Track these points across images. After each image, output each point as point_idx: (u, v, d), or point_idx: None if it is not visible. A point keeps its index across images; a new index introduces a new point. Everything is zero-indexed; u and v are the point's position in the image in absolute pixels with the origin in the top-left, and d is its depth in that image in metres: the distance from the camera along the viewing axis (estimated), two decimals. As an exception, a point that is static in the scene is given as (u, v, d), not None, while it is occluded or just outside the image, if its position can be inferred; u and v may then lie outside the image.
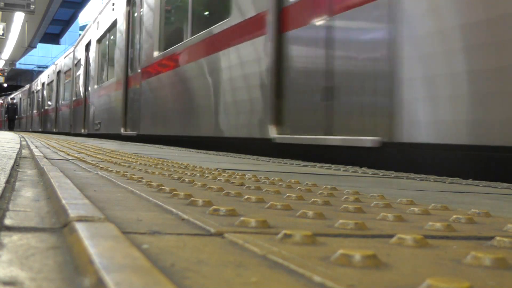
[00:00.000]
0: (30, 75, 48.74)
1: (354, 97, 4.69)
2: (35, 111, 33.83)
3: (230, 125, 7.05)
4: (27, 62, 47.33)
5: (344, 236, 0.98)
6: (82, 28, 46.56)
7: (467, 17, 3.60)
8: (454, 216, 1.30)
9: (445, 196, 2.20)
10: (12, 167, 2.27)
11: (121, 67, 12.95)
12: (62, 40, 49.81)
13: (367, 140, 4.40)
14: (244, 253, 0.79)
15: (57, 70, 25.92)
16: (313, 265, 0.71)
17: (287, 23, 5.80)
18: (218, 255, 0.77)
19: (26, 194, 1.46)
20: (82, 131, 18.03)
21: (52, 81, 27.34)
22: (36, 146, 4.95)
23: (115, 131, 13.19)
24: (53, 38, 48.20)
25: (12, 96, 43.93)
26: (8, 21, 21.72)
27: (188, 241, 0.87)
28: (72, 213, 1.01)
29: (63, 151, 4.15)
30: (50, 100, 27.86)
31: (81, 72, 19.32)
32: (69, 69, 22.39)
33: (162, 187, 1.63)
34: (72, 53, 21.93)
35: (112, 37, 15.06)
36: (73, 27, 48.35)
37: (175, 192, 1.49)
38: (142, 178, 1.99)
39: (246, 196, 1.49)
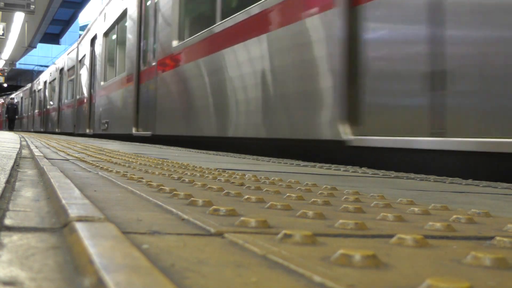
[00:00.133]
0: (30, 75, 48.74)
1: (484, 84, 3.36)
2: (36, 111, 33.26)
3: (283, 124, 5.68)
4: (27, 62, 47.33)
5: (344, 236, 0.98)
6: (82, 28, 46.56)
7: None
8: (454, 216, 1.30)
9: (445, 196, 2.20)
10: (12, 167, 2.27)
11: (132, 61, 11.70)
12: (62, 40, 49.82)
13: None
14: (244, 253, 0.79)
15: (60, 67, 25.02)
16: (313, 265, 0.71)
17: None
18: (218, 255, 0.77)
19: (26, 194, 1.46)
20: (87, 131, 16.99)
21: (54, 79, 26.56)
22: (36, 146, 4.95)
23: (125, 131, 12.03)
24: (53, 38, 48.22)
25: (12, 96, 43.90)
26: (8, 21, 21.71)
27: (188, 241, 0.87)
28: (72, 213, 1.01)
29: (63, 151, 4.15)
30: (52, 99, 27.20)
31: (86, 68, 18.22)
32: (73, 66, 21.38)
33: (162, 187, 1.63)
34: (76, 49, 20.92)
35: (121, 29, 13.78)
36: (73, 27, 48.36)
37: (175, 192, 1.49)
38: (142, 178, 1.99)
39: (246, 196, 1.49)
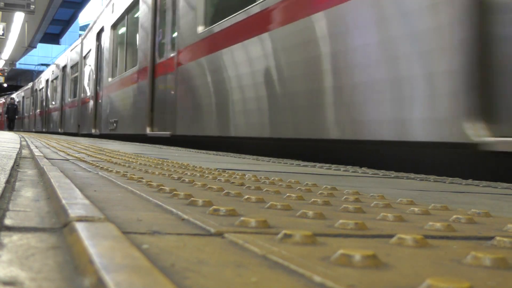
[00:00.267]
0: (30, 75, 48.75)
1: None
2: (38, 110, 32.45)
3: (374, 120, 4.24)
4: (27, 62, 47.36)
5: (344, 236, 0.98)
6: (82, 28, 46.59)
7: None
8: (454, 216, 1.30)
9: (445, 196, 2.20)
10: (12, 167, 2.27)
11: (145, 53, 10.58)
12: (62, 40, 49.83)
13: None
14: (244, 253, 0.79)
15: (62, 64, 23.82)
16: (313, 265, 0.71)
17: None
18: (218, 255, 0.77)
19: (26, 194, 1.46)
20: (93, 131, 15.88)
21: (56, 77, 25.49)
22: (36, 146, 4.95)
23: (137, 131, 10.89)
24: (53, 38, 48.22)
25: (13, 95, 43.79)
26: (8, 21, 21.71)
27: (188, 241, 0.87)
28: (72, 213, 1.01)
29: (63, 151, 4.15)
30: (54, 97, 26.16)
31: (91, 64, 17.09)
32: (76, 63, 20.28)
33: (162, 187, 1.63)
34: (80, 44, 19.70)
35: (132, 19, 12.68)
36: (73, 27, 48.36)
37: (175, 192, 1.49)
38: (142, 178, 1.99)
39: (246, 196, 1.49)
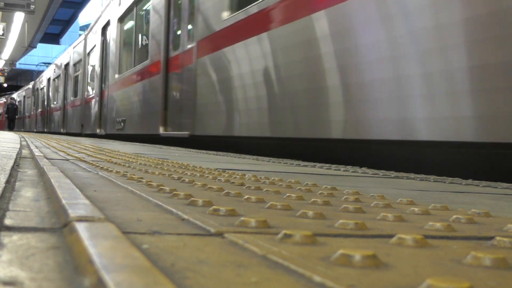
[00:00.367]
0: (30, 75, 48.75)
1: None
2: (39, 110, 31.78)
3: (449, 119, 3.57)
4: (27, 62, 47.36)
5: (344, 236, 0.98)
6: (82, 28, 46.58)
7: None
8: (454, 216, 1.30)
9: (445, 196, 2.20)
10: (12, 167, 2.27)
11: (158, 46, 9.73)
12: (62, 40, 49.83)
13: None
14: (244, 253, 0.79)
15: (65, 62, 22.89)
16: (313, 265, 0.71)
17: None
18: (218, 255, 0.77)
19: (26, 194, 1.46)
20: (98, 131, 15.02)
21: (58, 76, 24.44)
22: (36, 146, 4.95)
23: (148, 131, 10.10)
24: (53, 38, 48.21)
25: (14, 95, 43.71)
26: (8, 21, 21.71)
27: (188, 241, 0.87)
28: (72, 213, 1.01)
29: (63, 151, 4.15)
30: (56, 96, 25.32)
31: (96, 61, 16.22)
32: (80, 60, 19.43)
33: (162, 187, 1.63)
34: (84, 40, 18.79)
35: (142, 11, 11.77)
36: (73, 27, 48.35)
37: (175, 192, 1.49)
38: (142, 178, 1.99)
39: (246, 196, 1.49)
